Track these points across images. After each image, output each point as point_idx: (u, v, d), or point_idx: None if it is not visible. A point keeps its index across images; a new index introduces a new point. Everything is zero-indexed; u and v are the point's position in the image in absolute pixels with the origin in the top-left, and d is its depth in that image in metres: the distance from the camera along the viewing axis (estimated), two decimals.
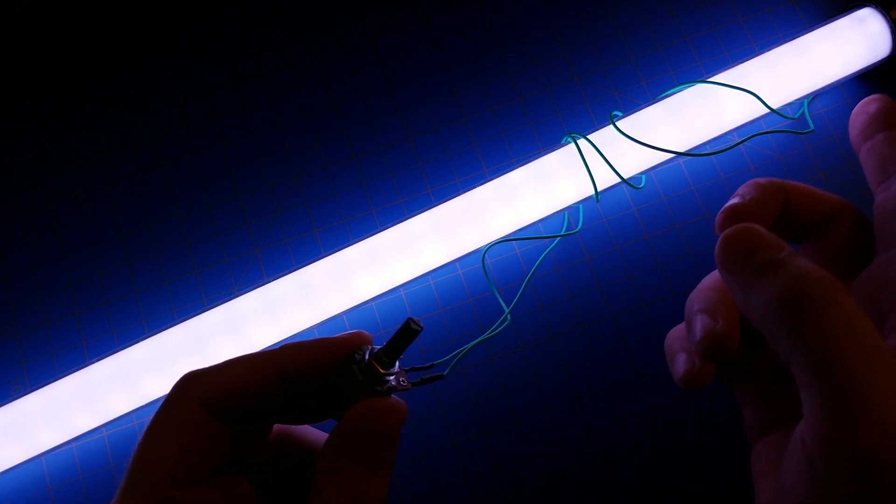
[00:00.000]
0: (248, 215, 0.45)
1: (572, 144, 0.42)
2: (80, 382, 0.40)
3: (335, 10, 0.49)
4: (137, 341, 0.41)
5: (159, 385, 0.41)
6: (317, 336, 0.43)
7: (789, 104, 0.45)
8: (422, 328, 0.26)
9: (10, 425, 0.40)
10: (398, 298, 0.43)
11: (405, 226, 0.42)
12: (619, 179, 0.41)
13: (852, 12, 0.44)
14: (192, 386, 0.25)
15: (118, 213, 0.46)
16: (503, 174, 0.42)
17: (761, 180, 0.27)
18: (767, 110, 0.42)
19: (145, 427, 0.25)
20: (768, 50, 0.43)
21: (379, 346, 0.26)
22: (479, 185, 0.42)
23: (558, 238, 0.44)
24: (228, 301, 0.41)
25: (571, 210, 0.44)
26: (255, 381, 0.25)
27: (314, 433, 0.29)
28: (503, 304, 0.41)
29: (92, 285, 0.44)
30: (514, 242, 0.44)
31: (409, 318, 0.26)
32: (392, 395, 0.26)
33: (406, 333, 0.26)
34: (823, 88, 0.44)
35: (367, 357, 0.26)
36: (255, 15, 0.49)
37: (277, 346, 0.27)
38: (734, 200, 0.27)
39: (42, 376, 0.43)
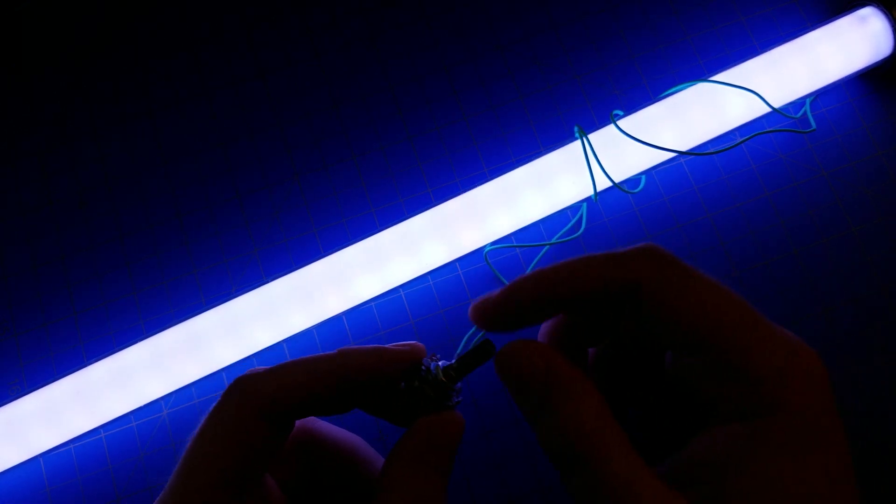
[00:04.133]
0: (247, 215, 0.45)
1: (574, 144, 0.42)
2: (78, 383, 0.40)
3: (335, 9, 0.49)
4: (136, 342, 0.41)
5: (158, 386, 0.41)
6: (316, 336, 0.43)
7: (791, 103, 0.44)
8: (496, 352, 0.25)
9: (7, 426, 0.40)
10: (398, 298, 0.43)
11: (405, 226, 0.42)
12: (620, 178, 0.41)
13: (854, 11, 0.44)
14: (248, 390, 0.24)
15: (117, 213, 0.45)
16: (503, 174, 0.42)
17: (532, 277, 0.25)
18: (769, 109, 0.42)
19: (197, 429, 0.24)
20: (770, 49, 0.43)
21: (445, 362, 0.27)
22: (479, 185, 0.42)
23: (560, 241, 0.43)
24: (227, 301, 0.41)
25: (575, 210, 0.44)
26: (312, 386, 0.25)
27: (337, 432, 0.29)
28: None
29: (90, 285, 0.44)
30: (514, 242, 0.44)
31: (487, 340, 0.26)
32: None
33: (481, 354, 0.26)
34: (825, 87, 0.44)
35: (433, 372, 0.27)
36: (255, 15, 0.49)
37: (333, 351, 0.26)
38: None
39: (40, 377, 0.43)
